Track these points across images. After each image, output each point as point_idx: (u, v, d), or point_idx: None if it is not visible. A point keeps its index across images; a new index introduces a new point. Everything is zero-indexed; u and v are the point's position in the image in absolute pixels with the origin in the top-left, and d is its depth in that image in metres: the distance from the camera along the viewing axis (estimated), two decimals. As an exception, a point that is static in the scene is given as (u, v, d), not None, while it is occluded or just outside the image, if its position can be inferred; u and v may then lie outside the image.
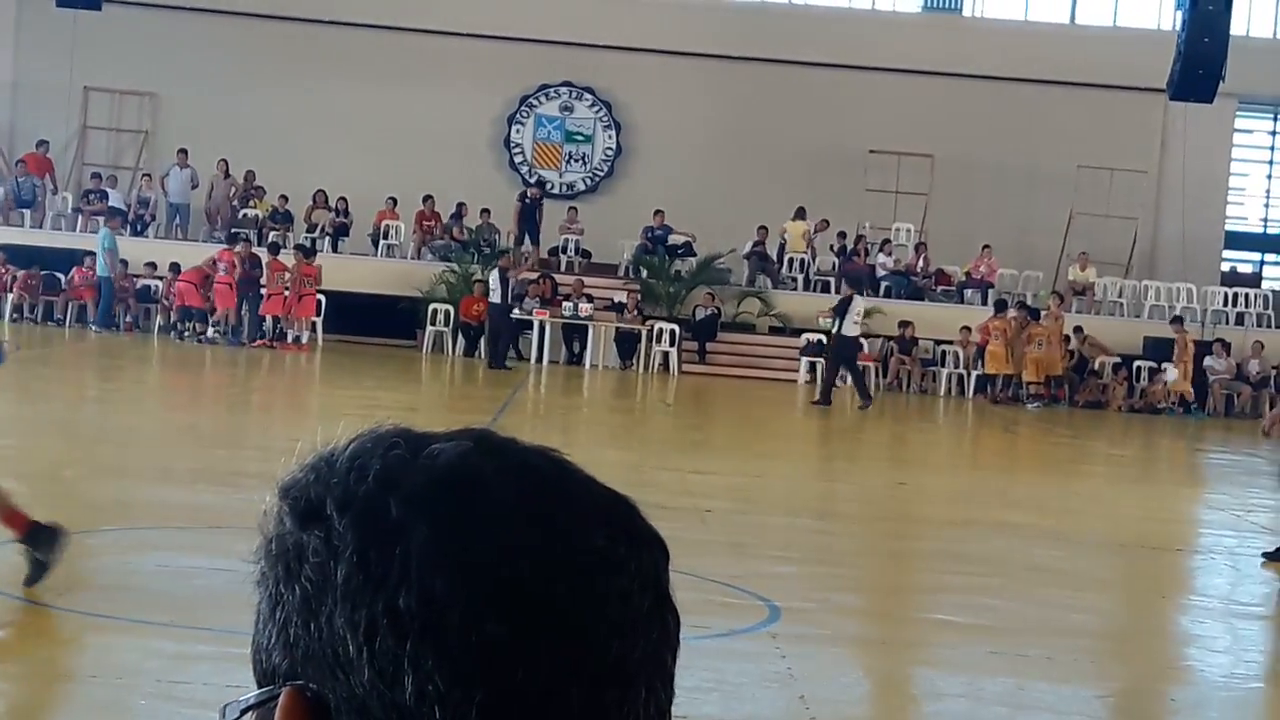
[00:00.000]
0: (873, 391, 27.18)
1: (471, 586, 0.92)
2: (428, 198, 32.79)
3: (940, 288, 32.79)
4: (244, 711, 0.98)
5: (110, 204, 32.62)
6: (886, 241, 33.28)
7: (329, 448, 1.02)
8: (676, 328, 30.36)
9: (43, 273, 29.94)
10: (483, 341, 29.16)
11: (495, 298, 28.27)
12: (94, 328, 29.08)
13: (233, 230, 31.44)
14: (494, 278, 28.51)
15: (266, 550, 1.00)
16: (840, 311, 25.94)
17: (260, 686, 0.99)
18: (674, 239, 32.58)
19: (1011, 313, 30.13)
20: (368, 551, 0.94)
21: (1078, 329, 30.48)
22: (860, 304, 26.33)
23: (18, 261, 29.84)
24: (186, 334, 29.18)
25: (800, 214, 32.62)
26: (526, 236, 32.62)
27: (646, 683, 0.98)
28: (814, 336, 30.27)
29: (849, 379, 26.44)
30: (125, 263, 29.88)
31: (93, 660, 7.64)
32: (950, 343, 30.83)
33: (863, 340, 27.01)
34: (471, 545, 0.93)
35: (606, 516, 1.00)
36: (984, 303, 31.92)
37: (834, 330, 26.10)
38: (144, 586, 8.86)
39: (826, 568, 11.34)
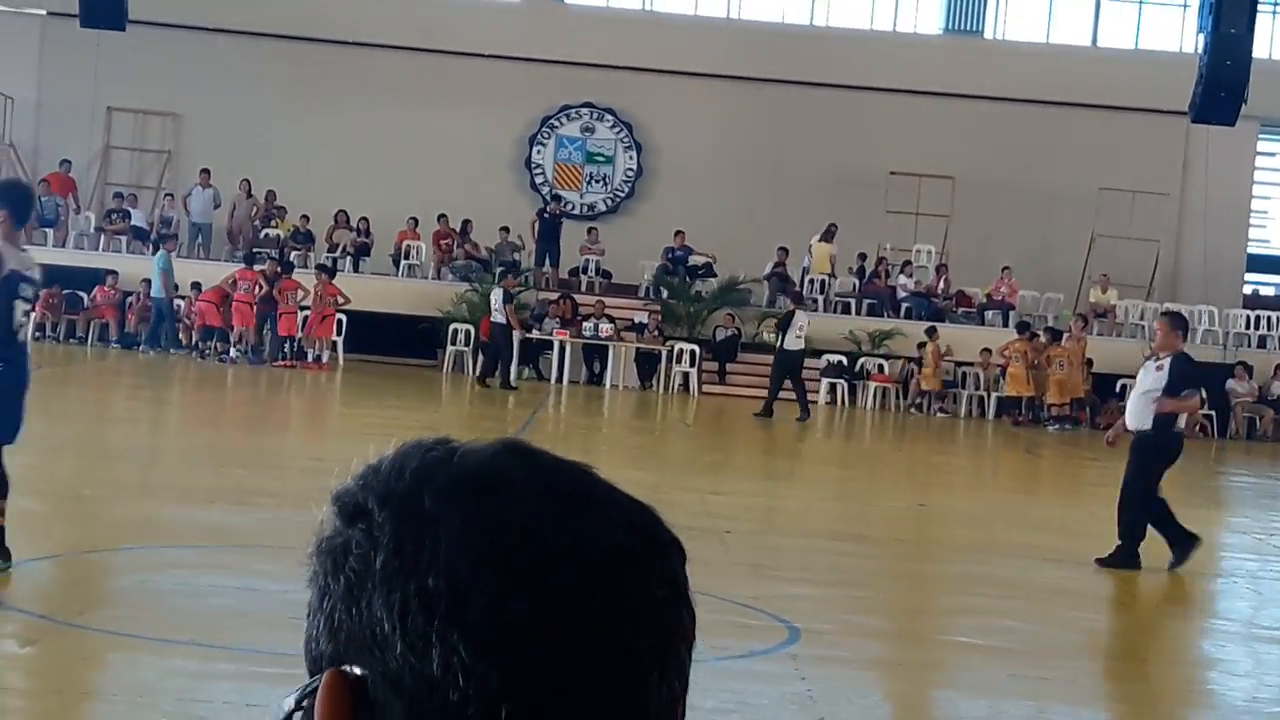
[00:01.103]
0: (895, 410, 27.13)
1: (495, 569, 1.00)
2: (442, 216, 32.83)
3: (961, 309, 32.75)
4: (299, 702, 1.04)
5: (133, 223, 32.76)
6: (907, 263, 33.25)
7: (378, 458, 1.09)
8: (697, 348, 30.37)
9: (64, 291, 30.05)
10: (479, 359, 29.11)
11: (498, 317, 28.21)
12: (143, 348, 29.40)
13: (253, 250, 31.53)
14: (496, 296, 28.48)
15: (317, 549, 1.08)
16: (783, 326, 26.64)
17: (310, 676, 1.06)
18: (694, 260, 32.60)
19: (1042, 338, 30.13)
20: (403, 540, 1.01)
21: (1088, 361, 30.30)
22: (802, 318, 26.68)
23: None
24: (207, 353, 29.26)
25: (828, 235, 32.60)
26: (547, 256, 32.66)
27: (659, 669, 1.04)
28: (834, 358, 30.28)
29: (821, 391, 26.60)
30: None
31: (113, 678, 7.65)
32: (971, 364, 30.78)
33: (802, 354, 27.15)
34: (497, 533, 1.01)
35: (627, 517, 1.06)
36: (1005, 324, 31.87)
37: (778, 344, 26.39)
38: (164, 605, 8.88)
39: (847, 589, 11.31)
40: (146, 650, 7.87)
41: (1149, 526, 12.66)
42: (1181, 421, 13.33)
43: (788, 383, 26.35)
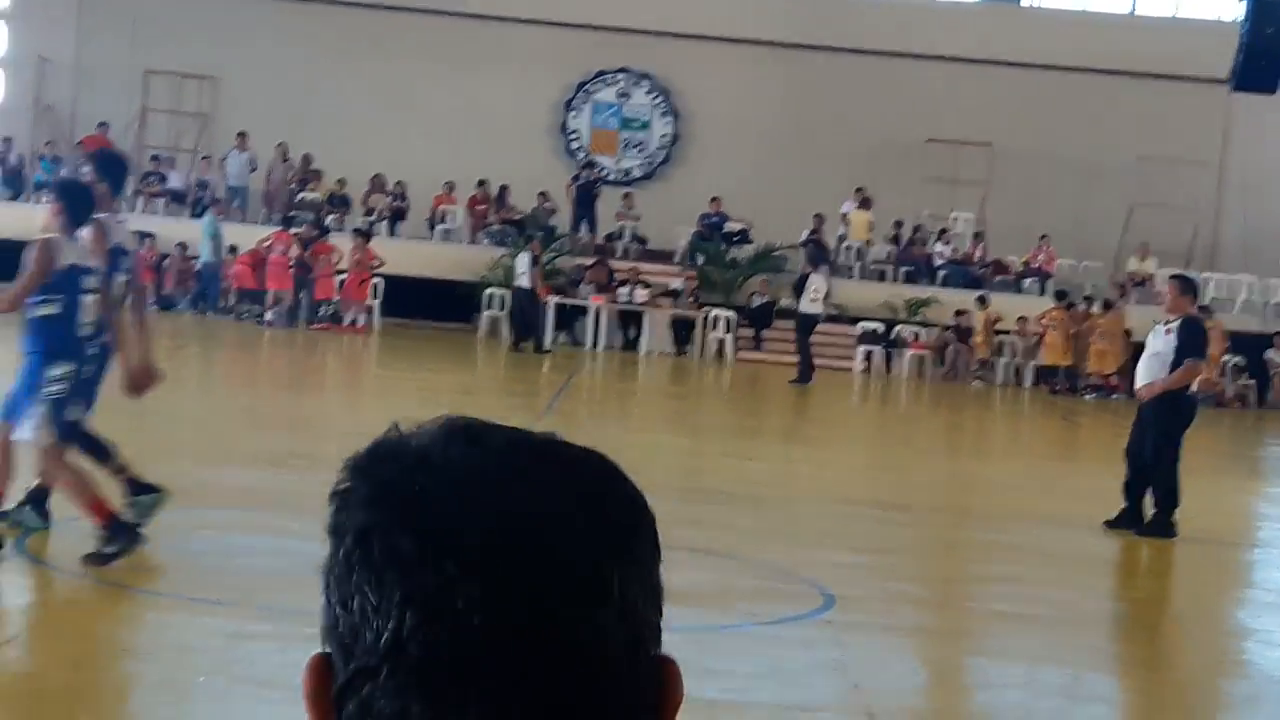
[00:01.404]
0: (929, 379, 27.06)
1: (387, 514, 1.09)
2: (482, 182, 32.88)
3: (998, 277, 32.62)
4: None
5: (169, 186, 32.85)
6: (944, 231, 33.13)
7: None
8: (732, 315, 30.34)
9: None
10: (510, 324, 29.12)
11: (524, 281, 28.18)
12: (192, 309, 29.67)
13: (290, 213, 31.59)
14: (522, 261, 28.45)
15: None
16: (797, 288, 26.72)
17: None
18: (730, 226, 32.54)
19: (1085, 307, 30.05)
20: (332, 514, 1.13)
21: (1126, 331, 30.15)
22: (817, 281, 26.65)
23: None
24: (244, 316, 29.35)
25: (865, 203, 32.51)
26: (582, 222, 32.65)
27: (566, 626, 1.07)
28: (870, 325, 30.21)
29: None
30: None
31: (151, 638, 7.70)
32: (1008, 333, 30.68)
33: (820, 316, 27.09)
34: (390, 486, 1.10)
35: (547, 475, 1.12)
36: (1042, 293, 31.74)
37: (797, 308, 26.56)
38: (202, 566, 8.93)
39: (881, 556, 11.30)
40: (184, 610, 7.92)
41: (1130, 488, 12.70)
42: (1195, 385, 13.28)
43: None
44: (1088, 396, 29.01)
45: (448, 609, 1.05)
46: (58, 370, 8.67)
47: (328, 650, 1.11)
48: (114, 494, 9.00)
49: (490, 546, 1.06)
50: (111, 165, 10.10)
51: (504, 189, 32.85)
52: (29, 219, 31.27)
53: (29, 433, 8.73)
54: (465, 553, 1.06)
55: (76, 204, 8.95)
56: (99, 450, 9.30)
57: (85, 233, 9.03)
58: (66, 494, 8.75)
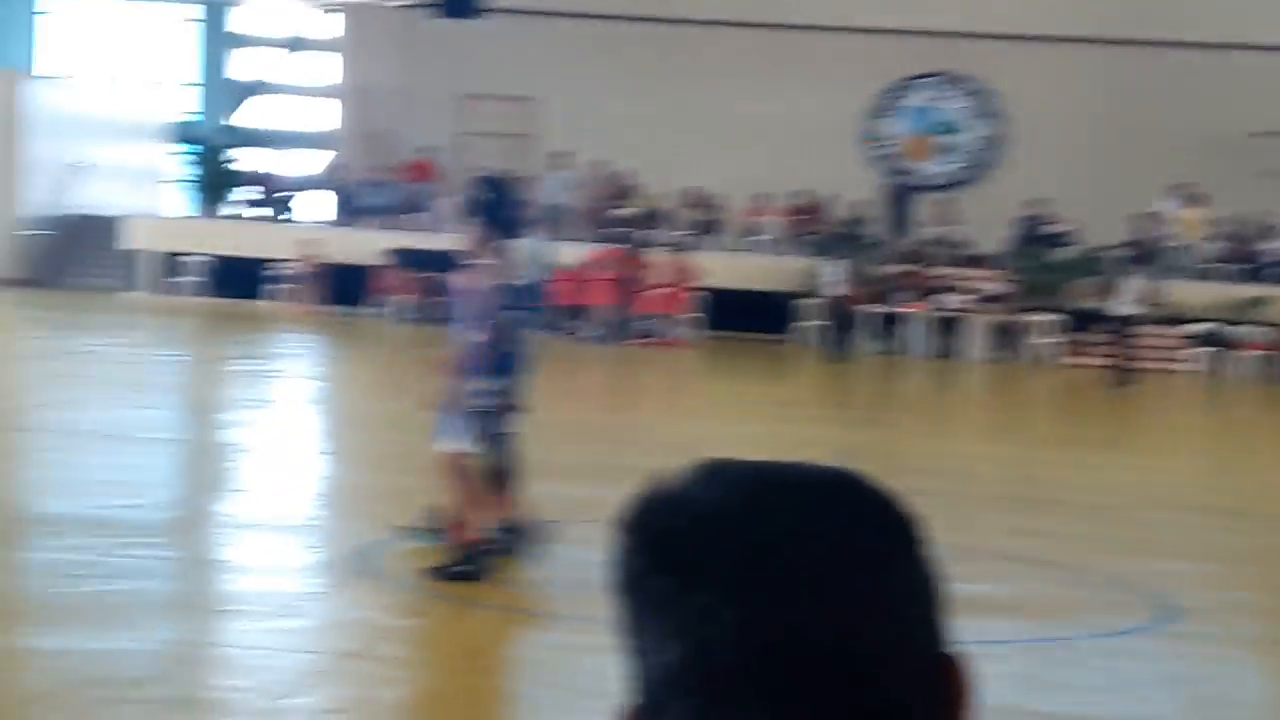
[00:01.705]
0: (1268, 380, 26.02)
1: (649, 558, 1.17)
2: (797, 193, 32.90)
3: (1336, 273, 31.20)
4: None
5: (491, 207, 33.68)
6: (1273, 228, 31.89)
7: None
8: (1055, 319, 29.69)
9: (429, 275, 31.02)
10: (822, 333, 28.95)
11: (835, 291, 27.98)
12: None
13: (608, 229, 32.07)
14: (833, 270, 28.21)
15: None
16: (1112, 289, 26.50)
17: None
18: (1051, 228, 31.88)
19: None
20: (609, 567, 1.21)
21: None
22: (1134, 283, 26.19)
23: (408, 265, 31.04)
24: (566, 333, 29.86)
25: (1194, 200, 31.52)
26: (898, 229, 32.37)
27: (823, 641, 1.11)
28: (1203, 326, 29.23)
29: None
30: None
31: (493, 651, 7.87)
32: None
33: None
34: (654, 533, 1.18)
35: (794, 501, 1.16)
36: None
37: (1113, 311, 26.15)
38: (541, 580, 9.10)
39: (1224, 565, 10.89)
40: (528, 624, 8.08)
41: None
42: None
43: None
44: None
45: (711, 639, 1.12)
46: (483, 385, 8.95)
47: (635, 700, 1.19)
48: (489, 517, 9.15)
49: (741, 576, 1.13)
50: (495, 193, 10.13)
51: (815, 197, 32.80)
52: (360, 243, 32.56)
53: (450, 443, 8.99)
54: (719, 584, 1.13)
55: (497, 223, 9.28)
56: (502, 474, 9.48)
57: (505, 250, 9.33)
58: (456, 504, 8.97)
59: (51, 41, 40.92)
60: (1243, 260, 31.51)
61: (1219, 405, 24.62)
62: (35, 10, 40.67)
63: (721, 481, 1.18)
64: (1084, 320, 29.91)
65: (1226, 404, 24.62)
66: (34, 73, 38.56)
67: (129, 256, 32.67)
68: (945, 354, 29.78)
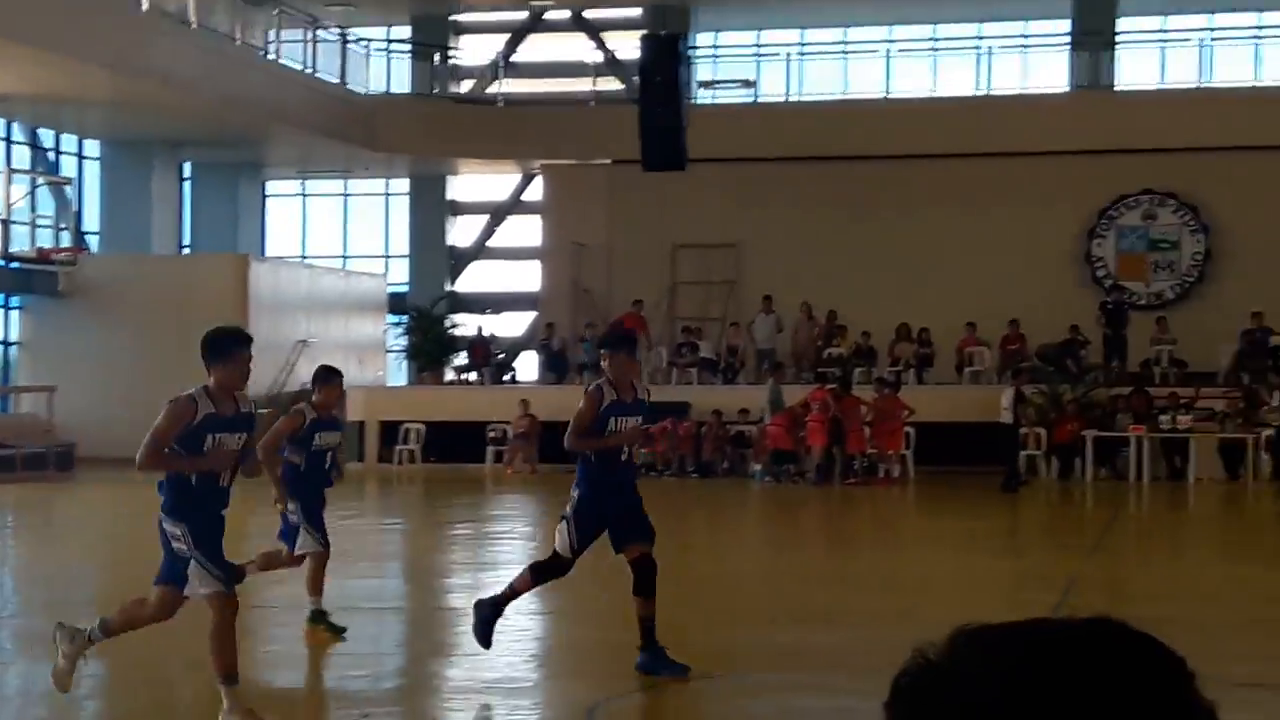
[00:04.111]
0: None
1: None
2: (1013, 321, 32.55)
3: None
4: None
5: (701, 355, 33.90)
6: None
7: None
8: (1284, 433, 28.76)
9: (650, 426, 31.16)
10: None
11: (1006, 417, 27.19)
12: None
13: (819, 370, 32.03)
14: (1006, 396, 27.46)
15: None
16: None
17: None
18: (1276, 340, 31.03)
19: None
20: None
21: None
22: None
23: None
24: (781, 477, 29.71)
25: None
26: (1116, 351, 31.80)
27: None
28: None
29: None
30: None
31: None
32: None
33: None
34: (915, 707, 1.18)
35: (1044, 665, 1.14)
36: None
37: None
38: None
39: None
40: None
41: None
42: None
43: None
44: None
45: None
46: None
47: None
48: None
49: None
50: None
51: (1014, 324, 32.38)
52: (573, 400, 32.87)
53: None
54: None
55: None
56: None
57: None
58: None
59: (278, 224, 42.51)
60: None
61: None
62: (266, 194, 42.31)
63: (979, 652, 1.17)
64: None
65: None
66: (263, 254, 40.07)
67: (354, 428, 33.47)
68: (1174, 475, 28.95)
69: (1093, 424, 29.37)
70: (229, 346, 8.50)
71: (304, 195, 42.88)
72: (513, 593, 10.26)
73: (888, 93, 36.88)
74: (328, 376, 11.64)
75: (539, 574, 10.25)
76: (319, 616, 11.32)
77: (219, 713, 8.35)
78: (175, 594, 8.45)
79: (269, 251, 41.16)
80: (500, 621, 10.24)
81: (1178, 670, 1.14)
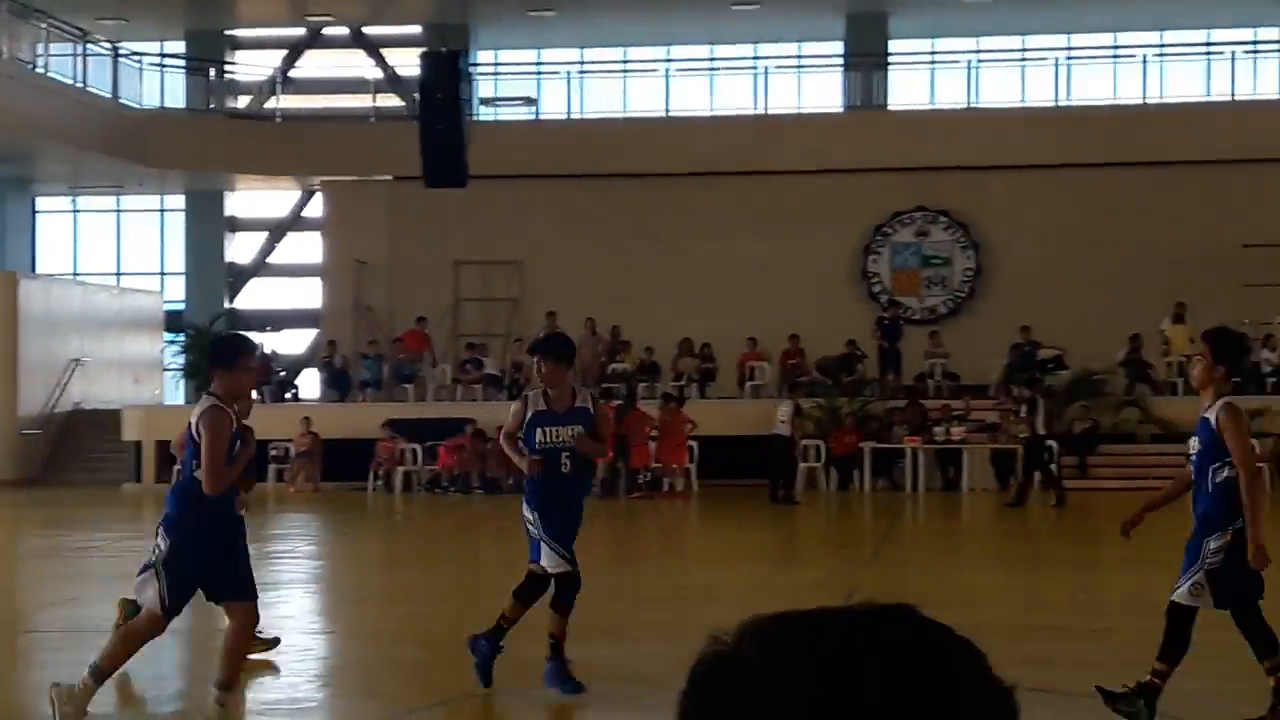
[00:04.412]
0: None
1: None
2: (793, 336, 33.04)
3: (1331, 379, 31.26)
4: None
5: (485, 371, 33.84)
6: (1269, 336, 31.98)
7: None
8: (1054, 443, 29.63)
9: (426, 444, 31.05)
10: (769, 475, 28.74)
11: (783, 430, 27.72)
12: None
13: (603, 385, 32.19)
14: (784, 410, 28.00)
15: None
16: (1030, 411, 26.91)
17: None
18: (1043, 353, 31.97)
19: None
20: None
21: None
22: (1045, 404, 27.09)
23: (403, 434, 31.09)
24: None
25: (1178, 316, 31.63)
26: (889, 364, 32.51)
27: None
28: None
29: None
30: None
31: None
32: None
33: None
34: (707, 696, 1.19)
35: (841, 651, 1.16)
36: (1381, 391, 30.28)
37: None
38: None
39: (1231, 682, 10.80)
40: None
41: None
42: None
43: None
44: None
45: None
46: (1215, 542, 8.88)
47: None
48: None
49: None
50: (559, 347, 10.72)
51: (794, 338, 32.90)
52: (355, 417, 32.62)
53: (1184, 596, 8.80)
54: None
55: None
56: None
57: None
58: None
59: (48, 241, 41.41)
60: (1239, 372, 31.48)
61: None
62: (36, 210, 41.17)
63: (772, 638, 1.18)
64: (1085, 443, 29.92)
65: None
66: (34, 272, 38.98)
67: (130, 449, 32.74)
68: (948, 486, 29.69)
69: (870, 436, 30.00)
70: (235, 354, 8.58)
71: (75, 211, 41.83)
72: (506, 623, 10.00)
73: (667, 111, 37.23)
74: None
75: (524, 598, 9.94)
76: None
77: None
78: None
79: (40, 269, 40.07)
80: (284, 642, 10.08)
81: (970, 649, 1.17)
